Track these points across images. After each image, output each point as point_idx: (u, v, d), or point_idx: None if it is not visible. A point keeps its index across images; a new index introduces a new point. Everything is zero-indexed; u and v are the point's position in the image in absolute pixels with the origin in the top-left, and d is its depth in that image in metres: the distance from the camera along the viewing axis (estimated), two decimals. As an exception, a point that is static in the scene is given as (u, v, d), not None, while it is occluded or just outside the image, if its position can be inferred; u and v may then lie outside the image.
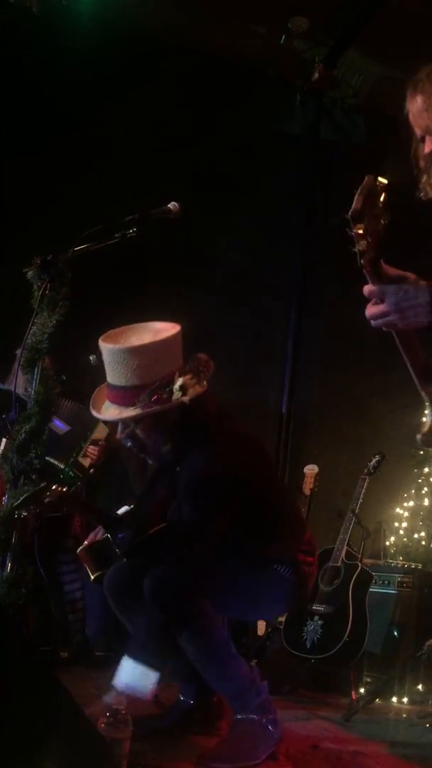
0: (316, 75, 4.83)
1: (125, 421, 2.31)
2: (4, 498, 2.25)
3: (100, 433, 3.93)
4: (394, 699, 3.61)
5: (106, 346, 2.30)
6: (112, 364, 2.29)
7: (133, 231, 2.35)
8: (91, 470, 3.90)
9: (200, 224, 4.43)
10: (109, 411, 2.32)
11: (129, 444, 2.38)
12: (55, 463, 3.75)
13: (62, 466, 3.76)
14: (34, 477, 3.66)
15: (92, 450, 3.86)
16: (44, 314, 2.18)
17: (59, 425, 3.61)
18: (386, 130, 5.12)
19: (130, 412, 2.24)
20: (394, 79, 4.95)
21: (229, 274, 4.59)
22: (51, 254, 2.21)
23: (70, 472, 3.79)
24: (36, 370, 2.17)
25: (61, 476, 3.80)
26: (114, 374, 2.30)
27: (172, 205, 2.45)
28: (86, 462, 3.86)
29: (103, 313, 4.37)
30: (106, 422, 3.84)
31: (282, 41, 4.72)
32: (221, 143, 4.64)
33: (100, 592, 4.30)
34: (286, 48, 4.77)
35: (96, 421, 3.93)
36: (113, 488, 4.54)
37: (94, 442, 3.88)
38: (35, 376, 2.16)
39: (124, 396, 2.26)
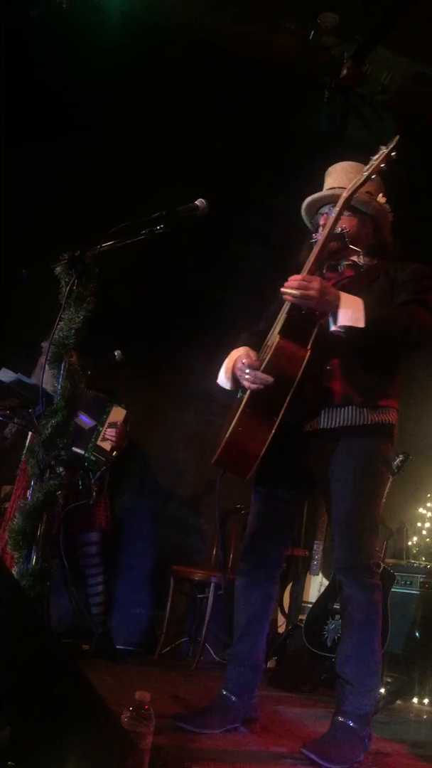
0: (345, 71, 4.79)
1: (352, 193, 2.44)
2: (28, 492, 2.27)
3: (117, 415, 3.95)
4: (415, 700, 3.60)
5: (337, 164, 2.72)
6: (339, 171, 2.68)
7: (161, 228, 2.35)
8: (114, 453, 3.90)
9: (226, 223, 4.44)
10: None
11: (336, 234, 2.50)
12: (79, 451, 3.78)
13: (83, 453, 3.78)
14: (60, 470, 3.72)
15: (110, 432, 3.88)
16: (71, 310, 2.19)
17: (86, 420, 3.64)
18: (415, 127, 5.09)
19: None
20: (423, 76, 4.91)
21: (255, 273, 4.58)
22: (78, 250, 2.22)
23: (92, 457, 3.82)
24: (63, 365, 2.18)
25: (86, 464, 3.83)
26: (336, 179, 2.67)
27: (199, 201, 2.45)
28: (107, 446, 3.88)
29: (130, 309, 4.45)
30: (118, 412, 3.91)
31: (311, 37, 4.70)
32: (248, 141, 4.63)
33: (124, 586, 4.39)
34: (315, 44, 4.75)
35: (110, 404, 3.95)
36: (135, 485, 4.58)
37: (112, 425, 3.90)
38: (62, 371, 2.17)
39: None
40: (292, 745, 2.42)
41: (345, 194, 2.43)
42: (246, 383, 2.36)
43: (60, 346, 2.19)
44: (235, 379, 2.53)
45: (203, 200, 2.46)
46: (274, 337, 2.39)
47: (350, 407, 2.43)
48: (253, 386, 2.32)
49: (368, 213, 2.61)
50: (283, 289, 2.36)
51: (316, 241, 2.53)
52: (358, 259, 2.58)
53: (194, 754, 2.09)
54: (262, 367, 2.32)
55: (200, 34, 4.72)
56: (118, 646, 4.07)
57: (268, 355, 2.31)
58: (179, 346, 4.57)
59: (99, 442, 3.86)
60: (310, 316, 2.37)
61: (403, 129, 5.00)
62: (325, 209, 2.66)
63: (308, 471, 2.54)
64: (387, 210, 2.65)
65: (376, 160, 2.37)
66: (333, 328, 2.35)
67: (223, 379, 2.62)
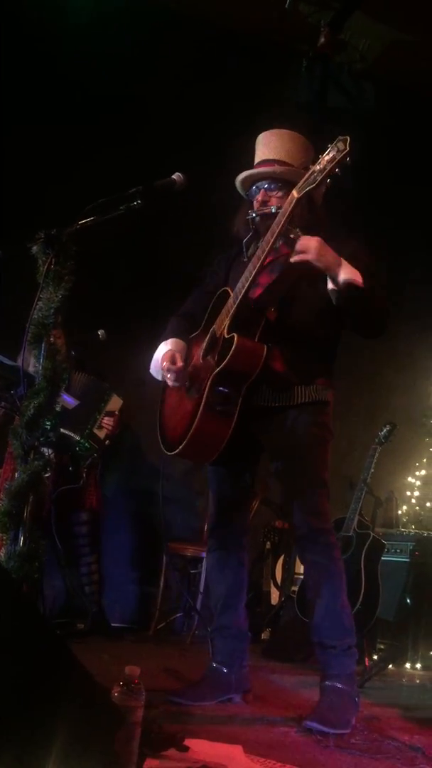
0: (322, 39, 4.74)
1: (280, 175, 2.54)
2: (16, 474, 2.27)
3: (114, 404, 3.97)
4: (408, 665, 3.65)
5: (267, 132, 2.69)
6: (271, 141, 2.67)
7: (138, 203, 2.33)
8: (107, 441, 3.95)
9: (208, 195, 4.39)
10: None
11: (259, 215, 2.56)
12: (71, 434, 3.79)
13: (77, 438, 3.80)
14: (49, 452, 3.72)
15: (107, 421, 3.91)
16: (50, 289, 2.17)
17: (68, 400, 3.64)
18: (395, 96, 5.05)
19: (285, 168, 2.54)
20: (402, 42, 4.85)
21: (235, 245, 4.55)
22: (55, 229, 2.19)
23: (86, 444, 3.84)
24: (43, 345, 2.16)
25: (77, 448, 3.84)
26: (271, 150, 2.65)
27: (176, 175, 2.42)
28: (102, 433, 3.91)
29: (113, 286, 4.42)
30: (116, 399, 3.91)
31: (287, 5, 4.63)
32: (227, 112, 4.57)
33: (117, 564, 4.41)
34: (291, 12, 4.68)
35: (110, 392, 3.96)
36: (125, 464, 4.58)
37: (109, 414, 3.92)
38: (42, 351, 2.16)
39: (279, 165, 2.58)
40: (286, 712, 2.46)
41: (296, 194, 2.38)
42: (170, 383, 2.63)
43: (39, 326, 2.17)
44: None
45: (180, 174, 2.43)
46: (223, 330, 2.47)
47: (290, 386, 2.51)
48: (175, 385, 2.61)
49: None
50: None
51: (252, 218, 2.62)
52: (294, 236, 2.51)
53: (189, 726, 2.11)
54: (220, 367, 2.40)
55: (175, 5, 4.65)
56: (113, 624, 4.10)
57: (228, 356, 2.37)
58: (165, 322, 4.54)
59: (95, 430, 3.87)
60: (258, 309, 2.47)
61: (382, 96, 5.01)
62: (261, 184, 2.64)
63: (253, 441, 2.62)
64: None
65: (328, 163, 2.31)
66: (331, 286, 2.40)
67: (154, 371, 2.79)
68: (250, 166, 2.74)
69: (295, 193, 2.38)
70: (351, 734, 2.23)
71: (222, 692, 2.55)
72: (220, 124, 4.55)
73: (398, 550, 3.90)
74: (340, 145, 2.30)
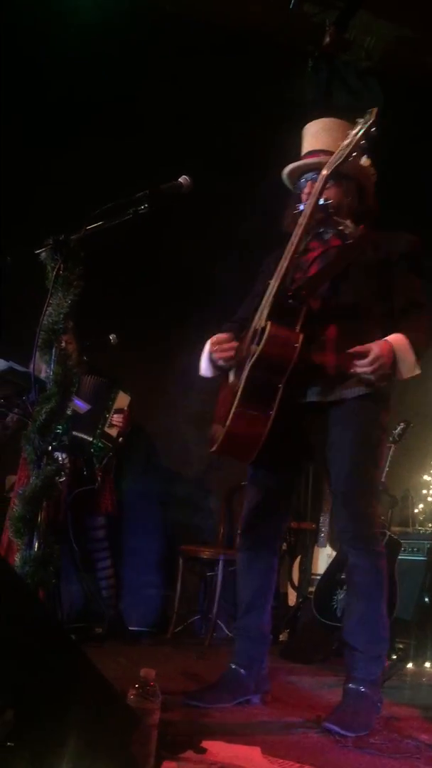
0: (328, 39, 4.73)
1: (332, 164, 2.44)
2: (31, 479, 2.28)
3: (122, 401, 3.99)
4: (428, 664, 3.63)
5: (313, 122, 2.65)
6: (318, 131, 2.61)
7: (145, 207, 2.33)
8: (120, 439, 3.97)
9: (214, 198, 4.40)
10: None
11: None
12: (83, 436, 3.81)
13: (90, 439, 3.82)
14: (63, 456, 3.74)
15: (117, 419, 3.93)
16: (59, 295, 2.18)
17: (80, 405, 3.65)
18: (402, 92, 5.02)
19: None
20: (408, 39, 4.84)
21: (250, 246, 4.55)
22: (63, 234, 2.20)
23: (99, 443, 3.86)
24: (53, 350, 2.17)
25: (92, 449, 3.87)
26: (317, 140, 2.60)
27: (183, 178, 2.42)
28: (114, 431, 3.93)
29: (124, 291, 4.43)
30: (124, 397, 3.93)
31: (291, 6, 4.62)
32: (233, 114, 4.58)
33: (134, 568, 4.42)
34: (296, 12, 4.68)
35: (116, 390, 3.97)
36: (140, 468, 4.59)
37: (118, 411, 3.94)
38: (53, 357, 2.17)
39: (326, 155, 2.50)
40: (304, 714, 2.44)
41: (325, 171, 2.39)
42: (216, 355, 2.57)
43: (49, 331, 2.18)
44: (216, 366, 2.62)
45: (187, 177, 2.43)
46: (261, 321, 2.38)
47: (344, 377, 2.41)
48: (225, 364, 2.56)
49: (351, 179, 2.56)
50: (357, 371, 2.33)
51: (299, 212, 2.52)
52: (344, 228, 2.54)
53: (206, 729, 2.11)
54: (255, 356, 2.31)
55: (177, 7, 4.66)
56: (130, 628, 4.11)
57: (261, 344, 2.30)
58: (177, 325, 4.56)
59: (106, 429, 3.89)
60: (297, 298, 2.38)
61: (389, 94, 4.99)
62: (309, 175, 2.59)
63: (304, 443, 2.54)
64: (370, 173, 2.60)
65: (354, 136, 2.33)
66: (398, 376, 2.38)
67: (203, 369, 2.68)
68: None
69: (324, 171, 2.37)
70: (370, 734, 2.21)
71: (240, 694, 2.53)
72: (226, 126, 4.56)
73: (415, 549, 3.87)
74: (367, 116, 2.31)
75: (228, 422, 2.34)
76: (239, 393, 2.34)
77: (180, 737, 1.83)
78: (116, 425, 3.93)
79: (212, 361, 2.61)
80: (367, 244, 2.53)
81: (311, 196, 2.42)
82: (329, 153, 2.52)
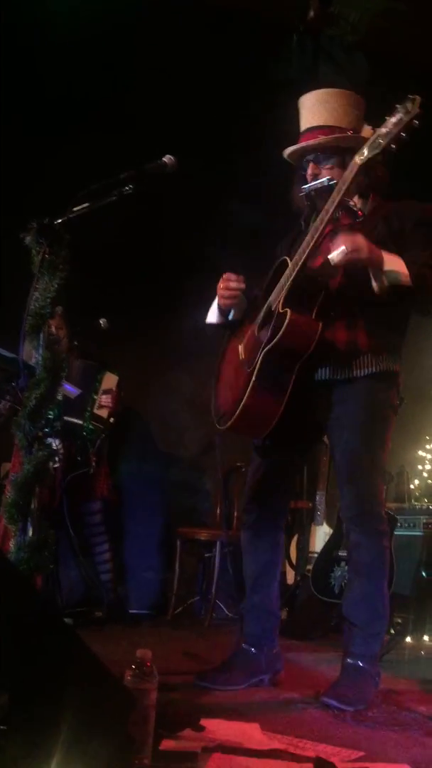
0: (312, 13, 4.67)
1: (326, 144, 2.42)
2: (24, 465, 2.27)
3: (109, 381, 3.98)
4: (426, 638, 3.66)
5: (308, 94, 2.52)
6: (314, 105, 2.48)
7: (130, 188, 2.30)
8: (111, 419, 3.97)
9: (201, 177, 4.36)
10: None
11: (312, 191, 2.45)
12: (75, 421, 3.80)
13: (81, 422, 3.82)
14: (55, 442, 3.73)
15: (106, 399, 3.93)
16: (45, 279, 2.16)
17: (71, 390, 3.65)
18: (389, 66, 4.97)
19: (332, 135, 2.41)
20: (393, 12, 4.77)
21: (242, 228, 4.52)
22: (47, 218, 2.18)
23: (90, 426, 3.86)
24: (41, 335, 2.16)
25: (84, 432, 3.86)
26: (314, 115, 2.48)
27: (167, 158, 2.38)
28: (103, 413, 3.93)
29: (113, 274, 4.40)
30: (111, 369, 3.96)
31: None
32: (218, 92, 4.53)
33: (132, 552, 4.43)
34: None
35: (102, 371, 3.96)
36: (135, 452, 4.60)
37: (106, 392, 3.93)
38: (41, 342, 2.15)
39: (323, 132, 2.44)
40: (303, 690, 2.46)
41: (357, 161, 2.27)
42: (222, 300, 2.59)
43: (36, 316, 2.16)
44: (221, 311, 2.64)
45: (171, 156, 2.39)
46: (278, 304, 2.36)
47: (355, 355, 2.40)
48: (226, 295, 2.56)
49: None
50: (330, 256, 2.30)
51: (306, 193, 2.48)
52: (354, 204, 2.48)
53: (205, 708, 2.12)
54: (271, 344, 2.31)
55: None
56: (130, 611, 4.14)
57: (280, 332, 2.29)
58: (169, 309, 4.54)
59: (96, 411, 3.88)
60: (317, 281, 2.35)
61: (376, 69, 4.94)
62: (310, 156, 2.51)
63: (314, 421, 2.52)
64: None
65: (394, 125, 2.17)
66: (375, 285, 2.30)
67: (210, 314, 2.69)
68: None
69: (357, 160, 2.27)
70: (368, 708, 2.23)
71: (252, 675, 2.49)
72: (212, 103, 4.51)
73: (412, 524, 3.88)
74: (409, 105, 2.15)
75: (243, 401, 2.35)
76: (255, 374, 2.34)
77: (179, 716, 1.84)
78: (105, 406, 3.92)
79: (221, 311, 2.64)
80: (379, 218, 2.48)
81: (342, 183, 2.32)
82: (327, 129, 2.46)
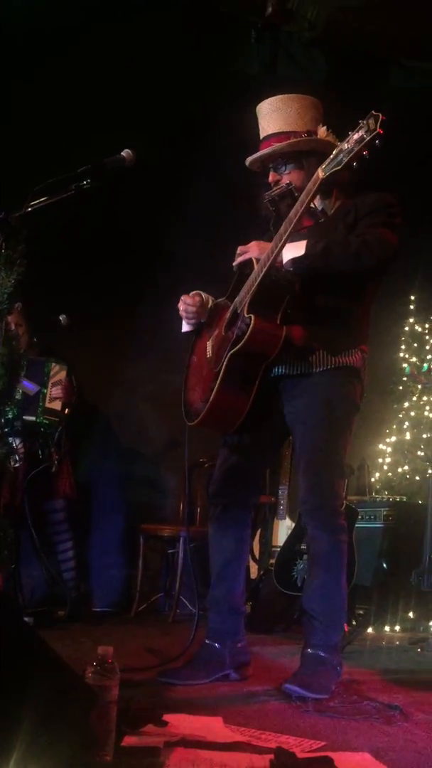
0: (270, 9, 4.68)
1: (281, 150, 2.50)
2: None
3: (58, 373, 3.92)
4: (387, 628, 3.71)
5: (263, 103, 2.59)
6: (269, 113, 2.56)
7: (88, 182, 2.28)
8: (66, 411, 3.92)
9: (168, 171, 4.35)
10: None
11: (274, 196, 2.51)
12: (28, 418, 3.75)
13: (34, 419, 3.76)
14: (16, 441, 3.69)
15: (56, 391, 3.87)
16: (2, 274, 2.14)
17: (29, 386, 3.60)
18: (346, 62, 5.02)
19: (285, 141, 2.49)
20: (350, 9, 4.81)
21: (203, 221, 4.52)
22: (3, 212, 2.15)
23: (45, 421, 3.80)
24: (-1, 331, 2.14)
25: (41, 428, 3.82)
26: (270, 123, 2.55)
27: (125, 152, 2.37)
28: (56, 405, 3.87)
29: (75, 271, 4.37)
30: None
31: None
32: (176, 87, 4.51)
33: (95, 549, 4.41)
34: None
35: (48, 363, 3.91)
36: (97, 448, 4.57)
37: (56, 384, 3.88)
38: (-2, 338, 2.13)
39: (278, 139, 2.52)
40: (265, 682, 2.47)
41: (320, 175, 2.29)
42: (186, 320, 2.68)
43: (-7, 312, 2.14)
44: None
45: (129, 151, 2.38)
46: (244, 307, 2.40)
47: (311, 351, 2.44)
48: (191, 321, 2.68)
49: (312, 155, 2.49)
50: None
51: (269, 200, 2.53)
52: (315, 205, 2.51)
53: (168, 703, 2.12)
54: (236, 349, 2.36)
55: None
56: (94, 609, 4.11)
57: (245, 338, 2.34)
58: (129, 304, 4.52)
59: (48, 404, 3.83)
60: (282, 285, 2.39)
61: (333, 65, 4.98)
62: (268, 164, 2.58)
63: (280, 416, 2.53)
64: (334, 144, 2.44)
65: (356, 143, 2.18)
66: (283, 269, 2.38)
67: (184, 326, 2.74)
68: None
69: (320, 173, 2.30)
70: (330, 698, 2.25)
71: (216, 670, 2.49)
72: (170, 98, 4.49)
73: (372, 517, 3.94)
74: (371, 123, 2.15)
75: (211, 399, 2.42)
76: (221, 374, 2.40)
77: (141, 712, 1.83)
78: (57, 398, 3.86)
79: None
80: (340, 215, 2.52)
81: (305, 195, 2.34)
82: (283, 135, 2.52)
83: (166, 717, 1.85)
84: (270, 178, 2.57)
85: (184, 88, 4.54)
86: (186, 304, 2.67)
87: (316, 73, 5.01)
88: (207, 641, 2.56)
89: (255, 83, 4.73)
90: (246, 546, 2.67)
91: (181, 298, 2.69)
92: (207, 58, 4.66)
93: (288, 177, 2.52)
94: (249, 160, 2.62)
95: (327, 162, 2.29)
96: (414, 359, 4.90)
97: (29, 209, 2.23)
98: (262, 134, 2.61)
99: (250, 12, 4.86)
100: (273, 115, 2.57)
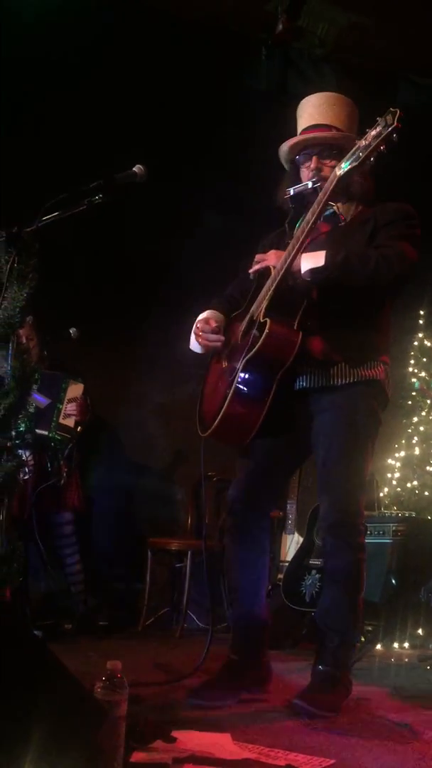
0: (280, 27, 4.72)
1: (335, 141, 2.44)
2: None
3: (74, 390, 3.95)
4: (396, 644, 3.68)
5: (315, 95, 2.56)
6: (322, 104, 2.50)
7: (100, 197, 2.31)
8: (79, 428, 3.93)
9: (177, 189, 4.38)
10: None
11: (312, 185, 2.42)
12: (41, 432, 3.77)
13: (47, 434, 3.78)
14: (26, 454, 3.70)
15: (71, 408, 3.89)
16: (14, 288, 2.15)
17: (41, 400, 3.62)
18: (356, 79, 5.05)
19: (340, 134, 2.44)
20: (360, 26, 4.86)
21: (210, 237, 4.54)
22: (16, 227, 2.17)
23: (57, 436, 3.82)
24: (10, 345, 2.14)
25: (52, 443, 3.83)
26: (323, 114, 2.49)
27: (137, 168, 2.39)
28: (70, 422, 3.89)
29: (85, 282, 4.40)
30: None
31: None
32: (188, 104, 4.55)
33: (103, 563, 4.40)
34: (247, 1, 4.67)
35: (66, 380, 3.94)
36: (105, 461, 4.57)
37: (72, 400, 3.90)
38: (10, 352, 2.13)
39: (334, 129, 2.46)
40: (275, 699, 2.45)
41: (337, 173, 2.28)
42: (201, 341, 2.58)
43: (5, 326, 2.14)
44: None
45: (141, 166, 2.40)
46: (260, 313, 2.37)
47: (332, 364, 2.39)
48: (208, 345, 2.57)
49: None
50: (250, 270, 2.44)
51: (290, 195, 2.48)
52: (338, 209, 2.48)
53: (176, 719, 2.11)
54: (250, 354, 2.31)
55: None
56: (101, 623, 4.09)
57: (260, 342, 2.29)
58: (138, 318, 4.54)
59: (62, 420, 3.85)
60: (299, 290, 2.35)
61: (343, 81, 5.01)
62: (314, 150, 2.50)
63: (305, 432, 2.47)
64: None
65: (374, 138, 2.16)
66: (301, 278, 2.33)
67: (193, 344, 2.65)
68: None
69: (337, 172, 2.27)
70: (340, 716, 2.23)
71: (241, 688, 2.42)
72: (181, 115, 4.53)
73: (381, 532, 3.91)
74: (389, 118, 2.12)
75: (223, 409, 2.36)
76: (234, 383, 2.35)
77: (150, 728, 1.82)
78: (71, 415, 3.89)
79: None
80: (358, 224, 2.49)
81: (322, 194, 2.33)
82: (335, 128, 2.47)
83: (175, 733, 1.84)
84: (312, 164, 2.48)
85: (193, 107, 4.58)
86: (205, 331, 2.57)
87: (325, 89, 5.03)
88: (231, 657, 2.50)
89: (264, 102, 4.77)
90: (266, 556, 2.61)
91: (199, 319, 2.62)
92: (217, 77, 4.70)
93: (330, 169, 2.42)
94: (294, 140, 2.53)
95: (344, 159, 2.26)
96: (423, 374, 4.88)
97: (41, 224, 2.25)
98: (311, 122, 2.52)
99: (261, 29, 4.90)
100: (326, 108, 2.51)
